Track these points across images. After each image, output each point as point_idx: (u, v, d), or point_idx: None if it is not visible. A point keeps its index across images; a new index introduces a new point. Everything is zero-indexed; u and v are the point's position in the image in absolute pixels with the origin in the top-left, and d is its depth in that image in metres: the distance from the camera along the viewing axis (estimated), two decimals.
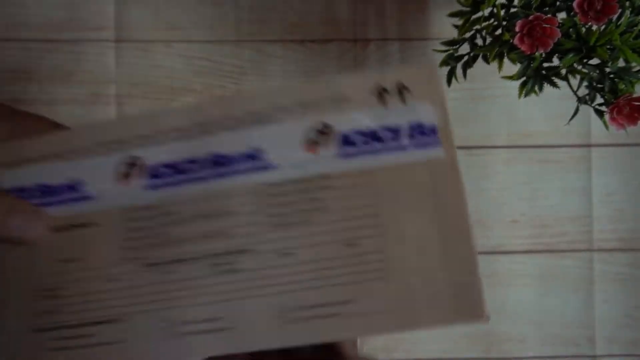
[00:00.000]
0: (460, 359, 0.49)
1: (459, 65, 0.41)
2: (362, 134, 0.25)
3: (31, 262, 0.26)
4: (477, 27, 0.38)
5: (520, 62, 0.36)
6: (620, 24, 0.33)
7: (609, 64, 0.35)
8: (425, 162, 0.24)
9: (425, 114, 0.25)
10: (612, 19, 0.33)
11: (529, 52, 0.33)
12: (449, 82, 0.42)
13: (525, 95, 0.37)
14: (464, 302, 0.23)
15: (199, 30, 0.48)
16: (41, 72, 0.47)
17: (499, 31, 0.36)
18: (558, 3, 0.35)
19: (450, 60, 0.41)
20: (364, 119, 0.25)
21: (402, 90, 0.25)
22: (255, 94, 0.26)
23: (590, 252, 0.49)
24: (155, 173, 0.26)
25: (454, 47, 0.41)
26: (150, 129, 0.26)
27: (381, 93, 0.25)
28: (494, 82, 0.46)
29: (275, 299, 0.24)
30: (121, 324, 0.25)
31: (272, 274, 0.24)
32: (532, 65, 0.36)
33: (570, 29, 0.34)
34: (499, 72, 0.37)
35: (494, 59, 0.36)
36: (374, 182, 0.24)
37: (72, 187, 0.26)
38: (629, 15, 0.34)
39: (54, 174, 0.26)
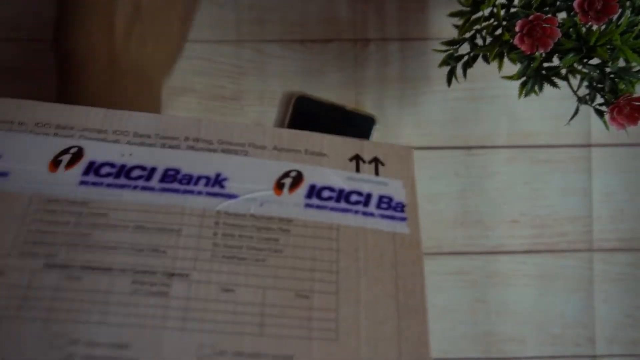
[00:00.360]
0: (460, 359, 0.49)
1: (459, 65, 0.41)
2: (332, 190, 0.24)
3: None
4: (477, 27, 0.38)
5: (521, 62, 0.36)
6: (620, 24, 0.33)
7: (609, 64, 0.35)
8: (391, 233, 0.24)
9: (395, 190, 0.25)
10: (612, 19, 0.33)
11: (529, 52, 0.33)
12: (449, 82, 0.42)
13: (525, 95, 0.37)
14: None
15: (199, 30, 0.48)
16: (41, 72, 0.47)
17: (499, 31, 0.36)
18: (558, 3, 0.35)
19: (450, 60, 0.41)
20: (337, 177, 0.24)
21: (377, 164, 0.25)
22: (234, 128, 0.24)
23: (590, 252, 0.49)
24: (94, 169, 0.23)
25: (454, 47, 0.41)
26: (109, 126, 0.24)
27: (358, 160, 0.25)
28: (494, 82, 0.46)
29: (200, 337, 0.20)
30: None
31: (205, 308, 0.21)
32: (532, 65, 0.36)
33: (571, 29, 0.34)
34: (499, 72, 0.37)
35: (494, 59, 0.36)
36: (336, 237, 0.23)
37: None
38: (629, 15, 0.34)
39: None
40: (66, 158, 0.23)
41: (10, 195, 0.22)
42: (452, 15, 0.39)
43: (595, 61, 0.35)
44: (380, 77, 0.48)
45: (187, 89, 0.48)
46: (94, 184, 0.23)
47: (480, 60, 0.41)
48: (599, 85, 0.37)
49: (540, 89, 0.37)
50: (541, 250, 0.49)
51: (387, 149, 0.25)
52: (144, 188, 0.23)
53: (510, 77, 0.37)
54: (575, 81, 0.37)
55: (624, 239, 0.49)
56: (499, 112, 0.49)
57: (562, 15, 0.35)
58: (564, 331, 0.49)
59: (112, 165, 0.23)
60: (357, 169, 0.25)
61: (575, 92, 0.38)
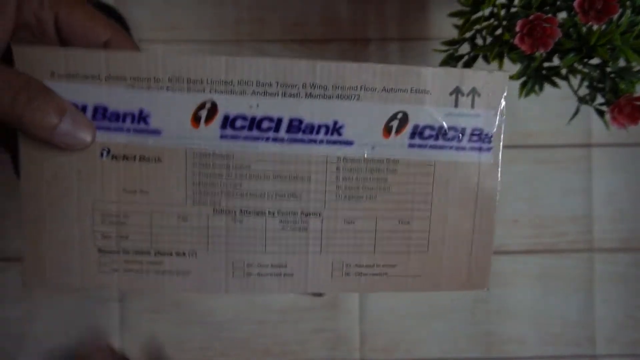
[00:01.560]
0: (460, 358, 0.49)
1: (459, 65, 0.41)
2: (432, 128, 0.28)
3: (97, 185, 0.27)
4: (478, 27, 0.38)
5: (521, 62, 0.36)
6: (621, 24, 0.33)
7: (610, 64, 0.35)
8: (477, 163, 0.28)
9: (487, 122, 0.28)
10: (612, 19, 0.33)
11: (529, 52, 0.33)
12: None
13: (526, 95, 0.37)
14: (475, 277, 0.30)
15: (199, 30, 0.48)
16: None
17: (499, 31, 0.36)
18: (558, 3, 0.35)
19: (451, 60, 0.41)
20: (437, 115, 0.28)
21: (474, 95, 0.28)
22: (346, 69, 0.27)
23: (590, 252, 0.49)
24: (229, 122, 0.27)
25: (454, 47, 0.41)
26: (233, 76, 0.26)
27: (457, 94, 0.28)
28: None
29: (332, 257, 0.28)
30: (190, 258, 0.28)
31: (335, 237, 0.28)
32: (532, 65, 0.36)
33: (571, 29, 0.34)
34: None
35: (494, 59, 0.36)
36: (432, 172, 0.28)
37: (137, 118, 0.26)
38: (629, 15, 0.33)
39: (119, 98, 0.26)
40: (203, 113, 0.26)
41: (168, 150, 0.27)
42: (452, 15, 0.39)
43: (595, 61, 0.35)
44: None
45: None
46: (233, 137, 0.27)
47: (480, 60, 0.41)
48: (600, 85, 0.37)
49: (541, 88, 0.37)
50: (541, 250, 0.49)
51: (484, 78, 0.28)
52: (275, 139, 0.27)
53: (511, 77, 0.37)
54: (575, 81, 0.37)
55: (624, 239, 0.49)
56: None
57: (562, 15, 0.35)
58: (564, 331, 0.49)
59: (243, 117, 0.27)
60: (456, 104, 0.28)
61: (575, 92, 0.38)
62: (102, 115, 0.26)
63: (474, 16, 0.37)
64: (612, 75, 0.36)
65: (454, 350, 0.49)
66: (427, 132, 0.28)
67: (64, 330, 0.47)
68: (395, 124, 0.27)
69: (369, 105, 0.27)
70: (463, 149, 0.28)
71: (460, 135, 0.28)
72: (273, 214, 0.28)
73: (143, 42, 0.47)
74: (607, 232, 0.49)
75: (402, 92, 0.27)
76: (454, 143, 0.28)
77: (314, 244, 0.28)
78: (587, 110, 0.38)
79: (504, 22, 0.36)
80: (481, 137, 0.28)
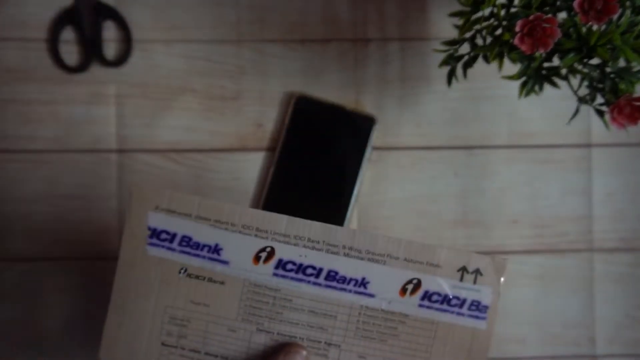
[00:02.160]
0: None
1: (459, 65, 0.41)
2: (439, 295, 0.34)
3: (172, 293, 0.34)
4: (478, 27, 0.38)
5: (521, 62, 0.36)
6: (620, 24, 0.33)
7: (610, 64, 0.35)
8: (472, 328, 0.34)
9: (484, 295, 0.34)
10: (612, 19, 0.33)
11: (529, 52, 0.33)
12: (449, 82, 0.42)
13: (526, 95, 0.37)
14: None
15: (199, 30, 0.48)
16: (41, 72, 0.47)
17: (499, 31, 0.36)
18: (558, 3, 0.35)
19: (451, 60, 0.41)
20: (445, 285, 0.34)
21: (477, 274, 0.34)
22: (378, 239, 0.34)
23: (590, 252, 0.49)
24: (282, 265, 0.34)
25: (454, 47, 0.41)
26: (291, 232, 0.34)
27: (463, 271, 0.34)
28: (494, 82, 0.46)
29: None
30: None
31: None
32: (532, 65, 0.36)
33: (571, 29, 0.34)
34: (499, 72, 0.37)
35: (494, 59, 0.36)
36: (434, 329, 0.34)
37: (213, 249, 0.34)
38: (629, 15, 0.33)
39: (202, 233, 0.34)
40: (263, 255, 0.34)
41: (231, 278, 0.34)
42: (452, 15, 0.39)
43: (595, 61, 0.35)
44: (380, 77, 0.48)
45: (187, 89, 0.48)
46: (282, 276, 0.34)
47: (480, 60, 0.41)
48: (599, 85, 0.37)
49: (541, 88, 0.37)
50: (541, 250, 0.49)
51: (487, 261, 0.34)
52: (314, 283, 0.34)
53: (511, 77, 0.37)
54: (575, 81, 0.37)
55: (624, 239, 0.49)
56: (499, 112, 0.49)
57: (562, 15, 0.35)
58: (564, 331, 0.49)
59: (293, 263, 0.34)
60: (461, 279, 0.34)
61: (575, 92, 0.38)
62: (187, 242, 0.34)
63: (474, 16, 0.37)
64: (612, 75, 0.36)
65: None
66: (435, 297, 0.34)
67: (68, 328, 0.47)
68: (410, 287, 0.34)
69: (392, 270, 0.34)
70: (462, 315, 0.34)
71: (462, 304, 0.34)
72: (302, 339, 0.34)
73: (143, 42, 0.47)
74: (607, 232, 0.49)
75: (419, 263, 0.34)
76: (456, 309, 0.34)
77: None
78: (587, 110, 0.38)
79: (504, 22, 0.36)
80: (479, 308, 0.34)
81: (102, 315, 0.47)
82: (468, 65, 0.41)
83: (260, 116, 0.48)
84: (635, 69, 0.36)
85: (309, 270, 0.34)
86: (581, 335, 0.49)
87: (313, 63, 0.48)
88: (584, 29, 0.34)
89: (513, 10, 0.36)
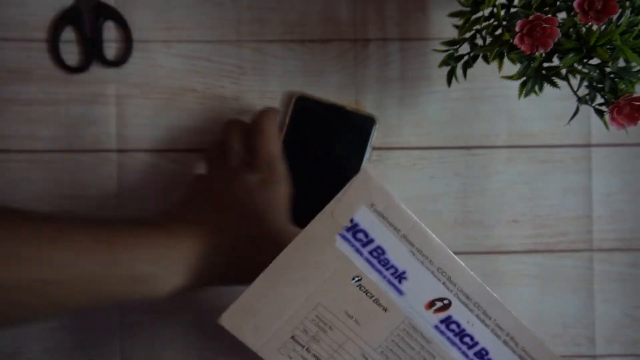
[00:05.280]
0: None
1: (459, 65, 0.41)
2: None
3: (330, 294, 0.32)
4: (477, 27, 0.38)
5: (521, 62, 0.36)
6: (620, 24, 0.33)
7: (609, 64, 0.35)
8: None
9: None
10: (612, 19, 0.33)
11: (529, 52, 0.33)
12: (449, 82, 0.42)
13: (526, 95, 0.37)
14: None
15: (199, 30, 0.48)
16: (41, 72, 0.47)
17: (499, 31, 0.36)
18: (558, 3, 0.35)
19: (450, 60, 0.41)
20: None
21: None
22: (547, 352, 0.33)
23: (590, 252, 0.49)
24: (449, 322, 0.33)
25: (454, 47, 0.41)
26: (474, 297, 0.33)
27: None
28: (494, 82, 0.46)
29: None
30: None
31: None
32: (532, 65, 0.36)
33: (571, 29, 0.34)
34: (499, 72, 0.37)
35: (494, 59, 0.36)
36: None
37: (399, 275, 0.32)
38: (629, 15, 0.34)
39: (397, 253, 0.32)
40: (439, 304, 0.32)
41: (396, 308, 0.33)
42: (452, 15, 0.39)
43: (595, 61, 0.36)
44: (380, 77, 0.48)
45: (187, 89, 0.48)
46: (442, 332, 0.33)
47: (480, 60, 0.41)
48: (599, 85, 0.37)
49: (540, 89, 0.37)
50: (541, 250, 0.49)
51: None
52: (464, 353, 0.33)
53: (510, 77, 0.37)
54: (575, 81, 0.37)
55: (624, 239, 0.49)
56: (499, 112, 0.49)
57: (562, 15, 0.35)
58: (564, 331, 0.49)
59: (459, 325, 0.33)
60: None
61: (575, 92, 0.38)
62: (377, 253, 0.32)
63: (474, 16, 0.37)
64: (612, 75, 0.36)
65: None
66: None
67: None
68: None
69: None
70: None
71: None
72: None
73: (143, 42, 0.47)
74: (607, 232, 0.49)
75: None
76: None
77: None
78: (587, 111, 0.38)
79: (504, 22, 0.36)
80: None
81: (100, 315, 0.47)
82: (468, 65, 0.41)
83: None
84: (635, 69, 0.36)
85: (467, 339, 0.33)
86: (580, 335, 0.49)
87: (313, 63, 0.48)
88: (583, 29, 0.34)
89: (513, 10, 0.36)
